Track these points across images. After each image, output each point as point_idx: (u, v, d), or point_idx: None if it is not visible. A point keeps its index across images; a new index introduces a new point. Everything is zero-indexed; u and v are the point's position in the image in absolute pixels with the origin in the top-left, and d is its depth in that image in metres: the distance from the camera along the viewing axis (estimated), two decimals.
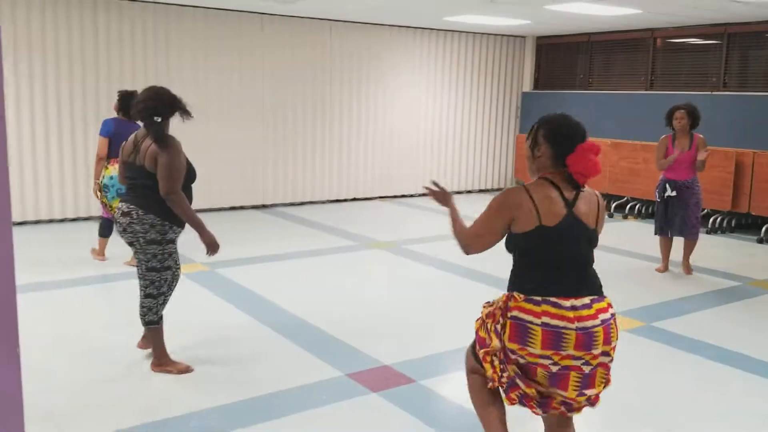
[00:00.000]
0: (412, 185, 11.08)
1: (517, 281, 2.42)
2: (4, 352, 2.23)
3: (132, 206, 3.74)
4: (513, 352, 2.39)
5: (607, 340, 2.35)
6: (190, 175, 3.83)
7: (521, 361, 2.39)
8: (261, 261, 6.53)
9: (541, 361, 2.34)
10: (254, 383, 3.78)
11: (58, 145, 8.16)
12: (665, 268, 6.51)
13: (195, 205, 3.91)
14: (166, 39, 8.65)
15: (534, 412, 2.49)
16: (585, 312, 2.33)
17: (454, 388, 3.79)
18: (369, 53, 10.33)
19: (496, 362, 2.47)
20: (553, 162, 2.45)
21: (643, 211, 9.57)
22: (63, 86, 8.09)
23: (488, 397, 2.63)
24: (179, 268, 3.93)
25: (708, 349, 4.46)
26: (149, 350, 4.07)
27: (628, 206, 9.74)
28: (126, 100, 5.62)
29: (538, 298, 2.33)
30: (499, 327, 2.43)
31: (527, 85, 12.07)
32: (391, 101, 10.69)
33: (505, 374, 2.45)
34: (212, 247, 3.86)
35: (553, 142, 2.44)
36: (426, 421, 3.39)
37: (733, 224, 8.67)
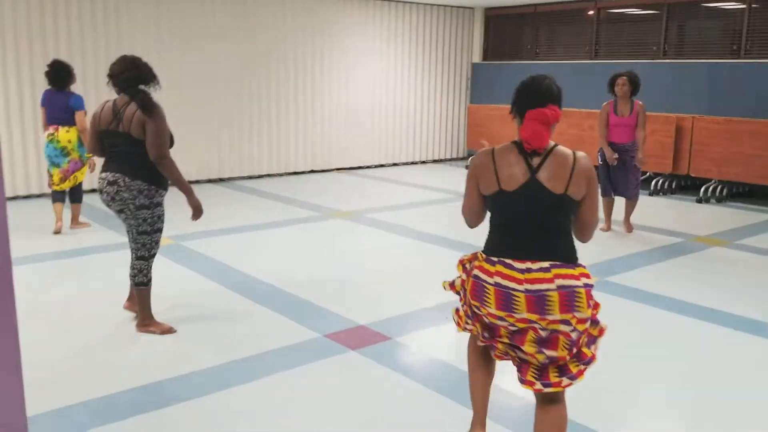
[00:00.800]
0: (368, 156, 11.22)
1: (485, 241, 2.47)
2: (3, 323, 2.33)
3: (117, 174, 3.82)
4: (477, 309, 2.43)
5: (566, 308, 2.26)
6: (171, 141, 3.92)
7: (485, 320, 2.43)
8: (225, 233, 6.59)
9: (499, 322, 2.37)
10: (235, 346, 3.90)
11: (5, 121, 7.96)
12: (608, 227, 6.90)
13: None
14: (116, 6, 8.48)
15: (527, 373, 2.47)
16: (539, 275, 2.27)
17: (429, 343, 4.02)
18: (322, 26, 10.34)
19: (470, 323, 2.55)
20: (519, 125, 2.40)
21: None
22: (9, 60, 7.87)
23: (474, 361, 2.71)
24: None
25: (660, 301, 4.79)
26: (134, 313, 4.19)
27: None
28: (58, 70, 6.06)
29: (494, 259, 2.36)
30: (464, 283, 2.53)
31: (477, 56, 12.29)
32: (345, 74, 10.75)
33: (468, 327, 2.57)
34: (198, 210, 4.03)
35: (513, 104, 2.44)
36: (404, 373, 3.59)
37: (674, 186, 9.15)
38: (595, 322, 2.45)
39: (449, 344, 4.00)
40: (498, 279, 2.32)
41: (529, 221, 2.35)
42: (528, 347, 2.34)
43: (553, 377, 2.37)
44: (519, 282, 2.28)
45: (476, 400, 2.73)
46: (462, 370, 3.41)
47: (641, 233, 6.82)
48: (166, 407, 3.19)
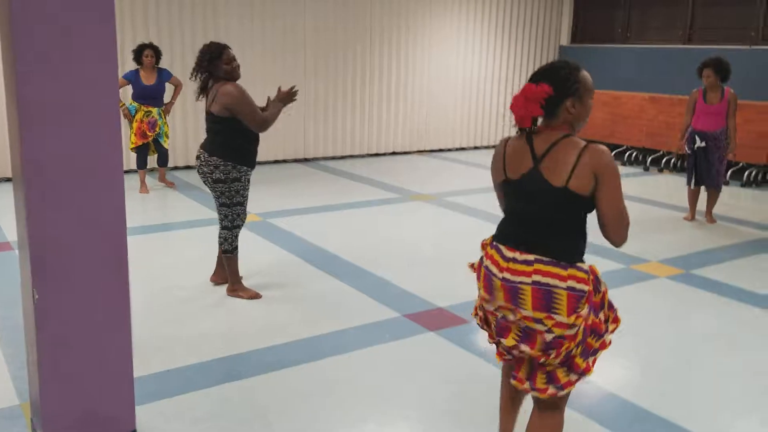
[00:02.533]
0: (449, 140, 11.28)
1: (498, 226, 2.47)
2: (117, 286, 2.60)
3: (201, 150, 4.28)
4: (478, 289, 2.44)
5: (539, 307, 2.20)
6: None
7: (483, 304, 2.42)
8: (309, 212, 6.85)
9: (486, 305, 2.38)
10: (319, 320, 4.12)
11: None
12: (692, 217, 6.77)
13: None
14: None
15: (517, 373, 2.43)
16: (520, 267, 2.23)
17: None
18: (407, 8, 10.41)
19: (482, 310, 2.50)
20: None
21: (678, 165, 9.68)
22: None
23: (503, 394, 2.70)
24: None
25: (747, 295, 4.69)
26: (219, 285, 4.55)
27: (664, 160, 9.85)
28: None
29: (495, 243, 2.37)
30: (477, 263, 2.50)
31: (564, 39, 12.06)
32: (429, 54, 10.80)
33: (480, 313, 2.49)
34: (288, 95, 4.36)
35: None
36: (481, 356, 3.70)
37: None
38: (598, 334, 2.31)
39: None
40: (488, 263, 2.34)
41: (525, 212, 2.30)
42: (510, 340, 2.31)
43: (540, 383, 2.32)
44: (500, 269, 2.27)
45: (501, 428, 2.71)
46: None
47: (728, 225, 6.63)
48: (256, 375, 3.44)
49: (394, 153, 10.85)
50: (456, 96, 11.20)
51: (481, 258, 2.42)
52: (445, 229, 6.44)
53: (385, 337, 3.94)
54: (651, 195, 7.98)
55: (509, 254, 2.28)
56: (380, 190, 8.07)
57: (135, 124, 7.23)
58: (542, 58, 11.97)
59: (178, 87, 7.47)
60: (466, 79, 11.24)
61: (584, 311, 2.21)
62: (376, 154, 10.69)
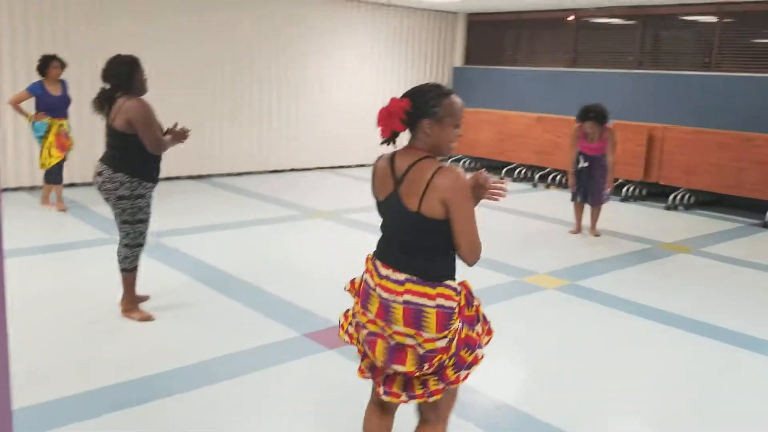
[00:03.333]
0: (350, 156, 11.36)
1: None
2: None
3: (103, 166, 4.13)
4: (354, 306, 2.47)
5: (410, 324, 2.23)
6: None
7: (354, 320, 2.45)
8: (204, 230, 6.69)
9: (361, 318, 2.39)
10: (215, 343, 4.03)
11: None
12: (578, 230, 7.20)
13: None
14: (103, 9, 8.52)
15: (377, 388, 2.43)
16: (392, 285, 2.27)
17: None
18: (304, 25, 10.45)
19: (353, 325, 2.48)
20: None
21: (564, 181, 10.21)
22: None
23: (367, 415, 2.66)
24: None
25: (627, 304, 5.01)
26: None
27: (551, 176, 10.37)
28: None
29: (373, 258, 2.41)
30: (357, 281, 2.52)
31: (458, 60, 12.48)
32: (329, 74, 10.88)
33: (361, 336, 2.44)
34: (182, 134, 4.25)
35: None
36: None
37: (644, 193, 9.42)
38: (471, 347, 2.35)
39: None
40: (366, 276, 2.39)
41: (393, 233, 2.35)
42: (379, 356, 2.32)
43: (418, 390, 2.36)
44: (375, 284, 2.33)
45: None
46: None
47: (610, 238, 7.06)
48: (147, 402, 3.31)
49: (293, 170, 10.81)
50: (355, 113, 11.31)
51: (363, 272, 2.45)
52: (345, 246, 6.47)
53: (282, 357, 3.90)
54: (539, 210, 8.39)
55: (384, 271, 2.32)
56: (280, 207, 8.01)
57: (51, 138, 6.87)
58: (437, 77, 12.33)
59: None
60: (365, 96, 11.39)
61: (455, 326, 2.27)
62: (276, 171, 10.61)
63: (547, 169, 10.49)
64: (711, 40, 9.35)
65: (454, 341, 2.28)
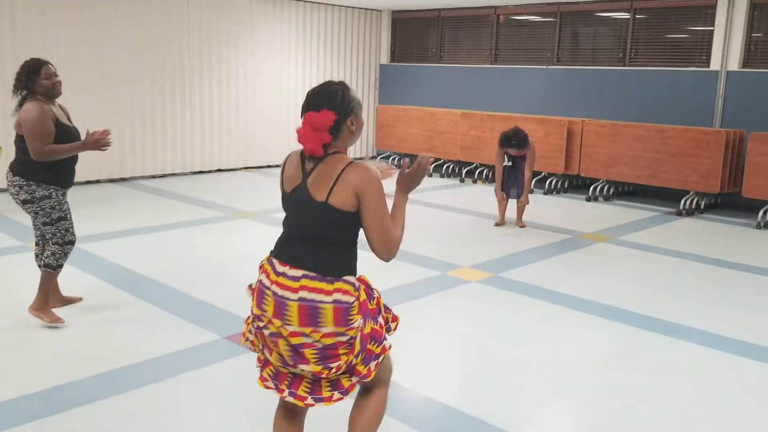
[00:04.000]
0: (276, 155, 11.23)
1: None
2: None
3: (8, 170, 4.09)
4: (252, 311, 2.40)
5: (305, 322, 2.23)
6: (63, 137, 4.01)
7: (255, 323, 2.38)
8: (125, 234, 6.47)
9: (258, 322, 2.34)
10: (130, 349, 3.90)
11: None
12: (502, 221, 7.37)
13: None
14: (10, 3, 8.12)
15: (280, 394, 2.38)
16: (287, 282, 2.26)
17: None
18: (227, 23, 10.26)
19: (253, 332, 2.44)
20: None
21: (490, 175, 10.39)
22: None
23: (280, 404, 2.58)
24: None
25: (547, 294, 5.12)
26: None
27: (477, 171, 10.53)
28: None
29: (270, 257, 2.39)
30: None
31: (384, 58, 12.52)
32: (253, 72, 10.72)
33: (260, 344, 2.42)
34: (95, 142, 3.99)
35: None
36: None
37: (566, 185, 9.69)
38: (377, 340, 2.37)
39: None
40: (262, 276, 2.36)
41: (296, 226, 2.34)
42: (275, 359, 2.32)
43: (325, 392, 2.35)
44: (271, 282, 2.30)
45: None
46: None
47: (533, 230, 7.23)
48: (54, 414, 3.17)
49: (219, 170, 10.60)
50: (281, 111, 11.20)
51: (259, 274, 2.41)
52: (269, 246, 6.35)
53: (202, 359, 3.81)
54: (466, 205, 8.51)
55: (280, 268, 2.31)
56: (204, 208, 7.83)
57: None
58: (365, 75, 12.34)
59: None
60: (292, 94, 11.28)
61: (357, 323, 2.28)
62: (200, 172, 10.38)
63: (474, 165, 10.64)
64: (625, 35, 9.69)
65: (358, 339, 2.29)
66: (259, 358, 2.44)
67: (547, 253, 6.35)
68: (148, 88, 9.49)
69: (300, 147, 2.37)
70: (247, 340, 2.48)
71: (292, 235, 2.35)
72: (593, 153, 9.18)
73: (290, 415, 2.54)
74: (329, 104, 2.29)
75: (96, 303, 4.64)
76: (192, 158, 10.19)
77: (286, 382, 2.37)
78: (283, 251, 2.34)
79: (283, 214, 2.46)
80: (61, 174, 4.05)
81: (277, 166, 11.28)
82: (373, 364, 2.37)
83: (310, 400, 2.34)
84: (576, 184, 9.89)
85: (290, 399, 2.35)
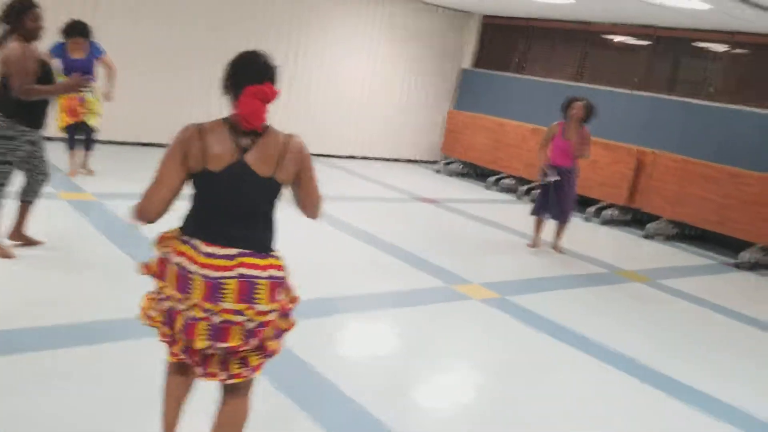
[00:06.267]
0: (339, 146, 11.23)
1: (184, 219, 2.33)
2: None
3: None
4: (160, 291, 2.32)
5: (243, 299, 2.19)
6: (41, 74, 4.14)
7: (166, 304, 2.29)
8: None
9: (177, 305, 2.25)
10: (78, 307, 3.93)
11: None
12: (535, 244, 6.94)
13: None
14: None
15: (195, 366, 2.33)
16: (221, 262, 2.19)
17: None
18: (309, 15, 10.34)
19: (156, 309, 2.35)
20: (233, 101, 2.27)
21: None
22: None
23: (169, 384, 2.52)
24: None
25: (548, 326, 4.78)
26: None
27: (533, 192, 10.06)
28: None
29: (186, 238, 2.26)
30: (159, 262, 2.34)
31: (467, 62, 12.25)
32: (328, 60, 10.74)
33: (152, 314, 2.36)
34: (74, 84, 4.21)
35: (227, 79, 2.28)
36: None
37: (627, 218, 9.10)
38: (286, 315, 2.38)
39: (309, 337, 4.02)
40: (181, 259, 2.22)
41: (229, 205, 2.24)
42: (199, 342, 2.22)
43: (234, 368, 2.30)
44: (199, 265, 2.19)
45: (168, 423, 2.52)
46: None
47: (569, 258, 6.81)
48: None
49: None
50: (352, 103, 11.16)
51: (165, 255, 2.29)
52: (285, 237, 6.30)
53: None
54: (509, 222, 8.14)
55: (206, 249, 2.21)
56: None
57: (64, 101, 6.47)
58: (444, 77, 12.11)
59: (112, 70, 6.72)
60: (366, 87, 11.23)
61: (282, 296, 2.31)
62: None
63: (534, 184, 10.20)
64: (719, 69, 8.98)
65: (277, 313, 2.31)
66: (165, 333, 2.35)
67: (569, 283, 5.95)
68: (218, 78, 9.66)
69: (198, 122, 2.27)
70: (147, 316, 2.38)
71: (221, 213, 2.24)
72: (660, 188, 8.57)
73: (183, 376, 2.49)
74: (270, 77, 2.28)
75: (74, 248, 4.73)
76: None
77: (197, 357, 2.31)
78: (209, 231, 2.23)
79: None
80: (35, 114, 4.19)
81: (339, 156, 11.26)
82: (279, 340, 2.37)
83: (223, 376, 2.31)
84: (639, 219, 9.26)
85: (204, 379, 2.35)
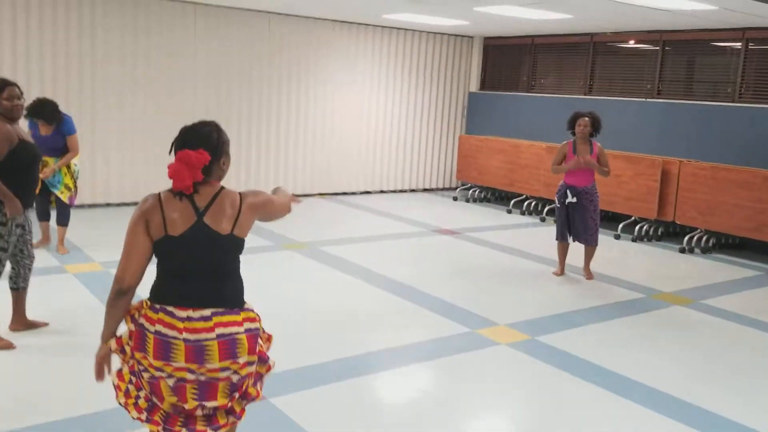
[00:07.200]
0: (354, 182, 10.98)
1: (151, 288, 2.40)
2: None
3: None
4: (139, 362, 2.33)
5: (225, 356, 2.28)
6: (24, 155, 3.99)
7: (146, 375, 2.34)
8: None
9: (158, 373, 2.30)
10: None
11: None
12: (561, 272, 6.57)
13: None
14: (91, 33, 8.40)
15: None
16: (199, 324, 2.27)
17: (303, 406, 3.67)
18: (310, 48, 10.15)
19: (133, 383, 2.41)
20: None
21: None
22: None
23: None
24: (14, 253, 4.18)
25: (584, 369, 4.36)
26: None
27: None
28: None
29: (157, 306, 2.32)
30: (127, 334, 2.38)
31: (474, 86, 11.96)
32: (332, 97, 10.53)
33: (141, 393, 2.40)
34: (13, 209, 3.97)
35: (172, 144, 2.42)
36: None
37: (660, 233, 8.64)
38: (263, 360, 2.47)
39: (324, 408, 3.66)
40: (159, 327, 2.28)
41: (194, 266, 2.34)
42: (190, 403, 2.32)
43: (221, 419, 2.39)
44: (179, 331, 2.26)
45: None
46: None
47: (600, 284, 6.38)
48: None
49: (293, 194, 10.43)
50: (361, 137, 10.93)
51: (141, 326, 2.31)
52: (296, 286, 5.99)
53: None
54: (533, 248, 7.74)
55: (182, 314, 2.28)
56: (254, 236, 7.62)
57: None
58: (451, 103, 11.84)
59: (70, 152, 6.11)
60: (374, 121, 10.99)
61: (263, 346, 2.46)
62: None
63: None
64: (735, 68, 8.55)
65: (255, 363, 2.40)
66: (139, 408, 2.40)
67: (603, 314, 5.52)
68: (225, 112, 9.50)
69: (157, 192, 2.40)
70: (125, 393, 2.43)
71: (188, 276, 2.34)
72: (690, 198, 8.10)
73: None
74: (205, 144, 2.35)
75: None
76: (266, 183, 10.10)
77: (179, 423, 2.37)
78: (181, 295, 2.32)
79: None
80: (20, 195, 3.99)
81: (353, 193, 10.99)
82: (258, 385, 2.49)
83: (209, 431, 2.38)
84: (673, 232, 8.80)
85: None
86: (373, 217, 9.24)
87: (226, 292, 2.36)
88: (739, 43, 8.49)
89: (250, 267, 6.30)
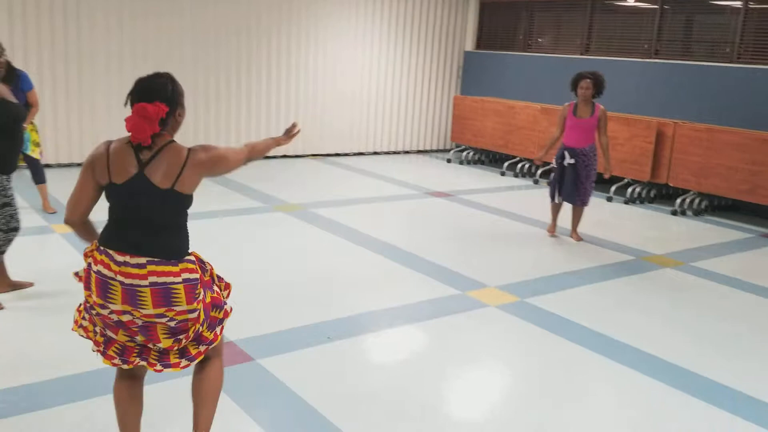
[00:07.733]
0: (346, 143, 10.88)
1: (101, 230, 2.50)
2: None
3: None
4: (86, 300, 2.46)
5: (159, 304, 2.35)
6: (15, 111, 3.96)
7: (92, 311, 2.44)
8: None
9: (101, 310, 2.39)
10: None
11: None
12: (553, 230, 6.61)
13: None
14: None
15: (131, 366, 2.49)
16: (134, 270, 2.33)
17: (291, 367, 3.68)
18: (302, 6, 9.94)
19: (87, 319, 2.52)
20: None
21: None
22: None
23: (118, 393, 2.64)
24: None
25: (572, 330, 4.38)
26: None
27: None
28: None
29: (102, 248, 2.41)
30: (81, 273, 2.51)
31: (469, 45, 11.78)
32: (324, 57, 10.36)
33: (97, 328, 2.49)
34: None
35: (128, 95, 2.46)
36: (245, 409, 3.25)
37: (652, 195, 8.61)
38: (219, 306, 2.54)
39: (312, 369, 3.67)
40: (100, 267, 2.37)
41: (133, 215, 2.40)
42: (121, 336, 2.43)
43: (174, 359, 2.47)
44: (115, 273, 2.34)
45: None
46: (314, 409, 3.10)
47: (591, 246, 6.37)
48: None
49: (285, 156, 10.37)
50: (355, 98, 10.79)
51: (89, 264, 2.43)
52: (284, 248, 5.97)
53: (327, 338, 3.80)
54: (526, 210, 7.74)
55: (120, 258, 2.35)
56: (244, 197, 7.58)
57: None
58: (446, 62, 11.66)
59: (33, 108, 5.93)
60: (367, 80, 10.84)
61: (201, 295, 2.46)
62: (266, 158, 10.18)
63: (551, 165, 9.71)
64: (734, 28, 8.41)
65: (201, 309, 2.45)
66: (97, 342, 2.50)
67: (592, 276, 5.52)
68: (213, 68, 9.36)
69: (110, 139, 2.46)
70: (80, 326, 2.55)
71: (127, 224, 2.40)
72: (685, 160, 8.05)
73: (130, 379, 2.63)
74: (160, 96, 2.39)
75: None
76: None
77: (135, 353, 2.47)
78: (120, 240, 2.38)
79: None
80: (4, 159, 3.95)
81: (346, 154, 10.91)
82: (218, 329, 2.55)
83: (159, 366, 2.47)
84: (666, 194, 8.77)
85: (142, 363, 2.47)
86: (365, 179, 9.19)
87: (162, 245, 2.38)
88: (740, 2, 8.33)
89: (240, 228, 6.35)
